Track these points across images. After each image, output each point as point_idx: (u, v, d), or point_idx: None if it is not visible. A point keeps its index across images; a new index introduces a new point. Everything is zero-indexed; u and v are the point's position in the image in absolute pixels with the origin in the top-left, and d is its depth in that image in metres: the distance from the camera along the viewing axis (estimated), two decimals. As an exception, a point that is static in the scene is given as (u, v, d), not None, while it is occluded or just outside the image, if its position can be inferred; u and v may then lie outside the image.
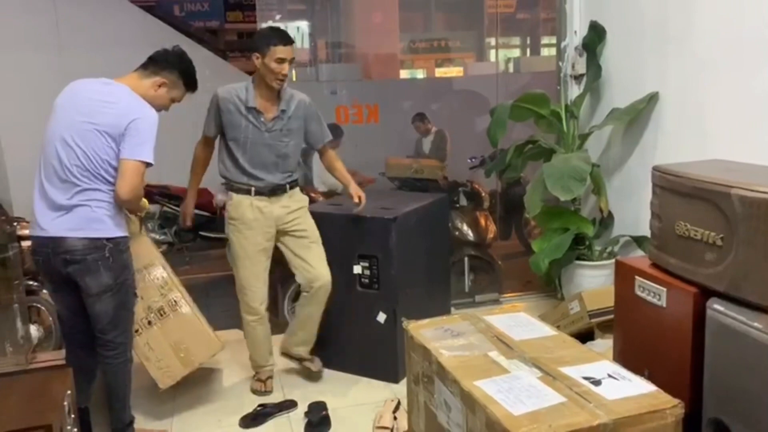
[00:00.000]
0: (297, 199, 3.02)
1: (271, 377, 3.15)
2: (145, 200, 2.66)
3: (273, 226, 2.93)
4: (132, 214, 2.66)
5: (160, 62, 2.49)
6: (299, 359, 3.18)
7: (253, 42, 2.85)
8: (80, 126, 2.30)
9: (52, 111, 2.38)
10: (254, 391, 3.11)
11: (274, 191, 2.93)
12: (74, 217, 2.31)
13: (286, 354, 3.20)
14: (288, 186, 2.97)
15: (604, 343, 2.96)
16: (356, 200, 3.03)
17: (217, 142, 3.03)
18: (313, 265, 2.98)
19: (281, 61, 2.76)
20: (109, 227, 2.36)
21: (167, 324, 2.82)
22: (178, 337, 2.83)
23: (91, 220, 2.32)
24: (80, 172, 2.30)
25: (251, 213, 2.89)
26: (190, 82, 2.56)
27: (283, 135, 2.91)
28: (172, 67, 2.49)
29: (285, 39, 2.77)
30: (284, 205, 2.95)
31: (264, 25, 2.92)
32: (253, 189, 2.90)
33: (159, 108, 2.49)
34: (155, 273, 2.88)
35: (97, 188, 2.33)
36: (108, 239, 2.35)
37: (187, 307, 2.88)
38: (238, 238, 2.92)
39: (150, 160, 2.34)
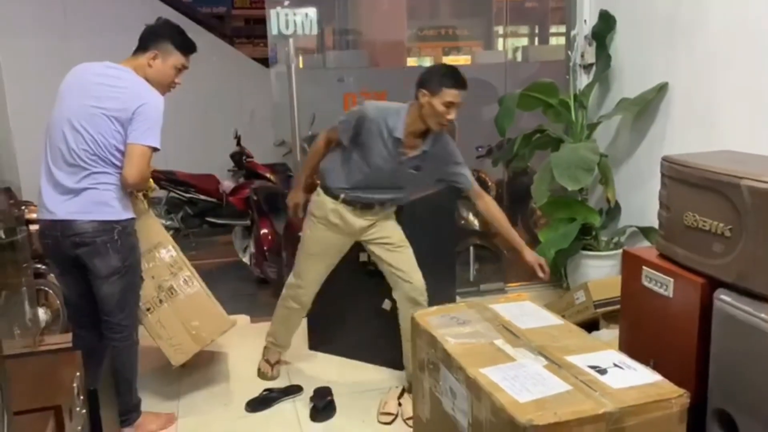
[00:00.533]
0: (385, 210, 2.86)
1: (279, 362, 3.17)
2: (150, 180, 2.67)
3: (353, 234, 2.83)
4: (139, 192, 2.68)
5: (149, 36, 2.46)
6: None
7: (425, 77, 2.57)
8: (87, 110, 2.31)
9: (58, 95, 2.38)
10: (260, 374, 3.13)
11: (369, 207, 2.79)
12: (82, 200, 2.33)
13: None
14: (386, 206, 2.85)
15: (610, 333, 2.97)
16: (540, 273, 2.75)
17: None
18: (402, 269, 2.81)
19: (450, 105, 2.52)
20: (117, 210, 2.37)
21: (178, 302, 2.83)
22: (189, 314, 2.84)
23: (99, 203, 2.34)
24: (88, 156, 2.31)
25: (334, 217, 2.78)
26: (180, 44, 2.48)
27: (414, 169, 2.74)
28: (158, 36, 2.45)
29: (461, 83, 2.53)
30: (369, 218, 2.81)
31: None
32: (341, 197, 2.76)
33: (166, 84, 2.48)
34: (165, 252, 2.88)
35: (104, 171, 2.34)
36: (116, 222, 2.37)
37: (197, 285, 2.89)
38: (313, 234, 2.85)
39: (157, 145, 2.34)
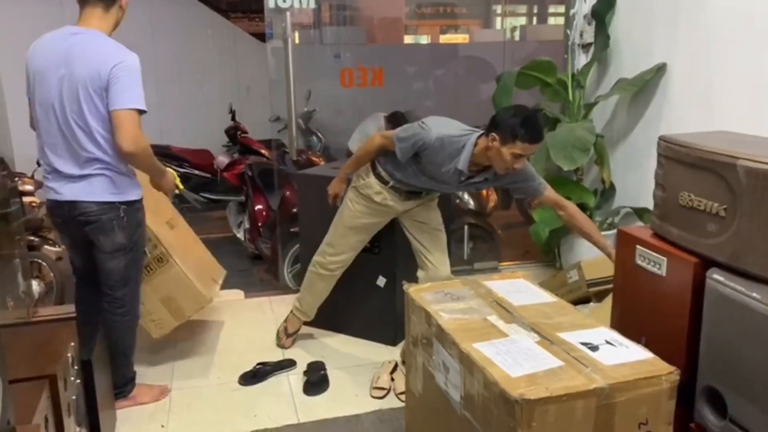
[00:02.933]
0: (430, 195, 2.85)
1: (296, 333, 3.18)
2: (175, 176, 2.62)
3: (393, 215, 2.84)
4: (159, 189, 2.55)
5: None
6: None
7: (500, 119, 2.34)
8: (66, 88, 2.22)
9: (30, 76, 2.29)
10: (277, 339, 3.18)
11: (415, 195, 2.77)
12: (87, 185, 2.32)
13: None
14: (433, 195, 2.85)
15: (593, 305, 2.99)
16: None
17: None
18: (433, 253, 2.81)
19: (519, 157, 2.33)
20: (122, 191, 2.36)
21: (154, 279, 2.82)
22: (167, 292, 2.85)
23: (104, 187, 2.32)
24: (82, 141, 2.27)
25: (378, 198, 2.75)
26: None
27: (475, 189, 2.72)
28: None
29: (537, 138, 2.32)
30: (412, 202, 2.80)
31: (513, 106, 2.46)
32: (390, 183, 2.72)
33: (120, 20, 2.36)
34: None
35: (101, 154, 2.29)
36: (122, 202, 2.36)
37: (173, 262, 2.87)
38: (354, 210, 2.82)
39: (142, 106, 2.23)
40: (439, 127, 2.48)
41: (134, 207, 2.41)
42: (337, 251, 2.93)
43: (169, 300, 2.86)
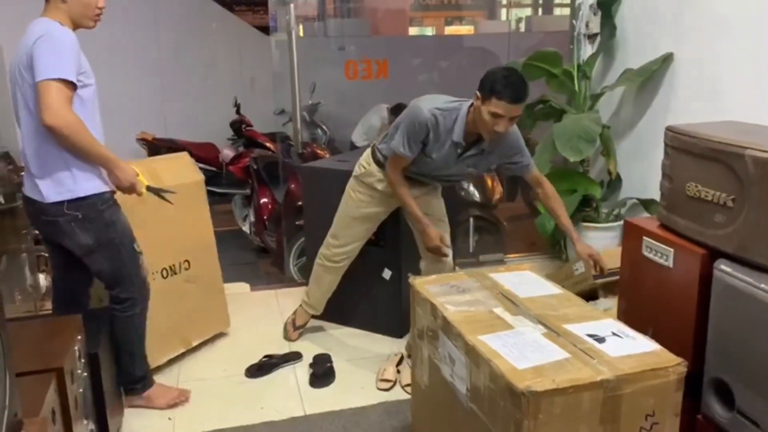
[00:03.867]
0: (431, 187, 2.82)
1: (303, 326, 3.18)
2: (137, 172, 2.28)
3: (395, 204, 2.80)
4: (117, 185, 2.29)
5: None
6: None
7: (484, 77, 2.31)
8: (16, 75, 2.14)
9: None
10: (284, 331, 3.18)
11: (418, 184, 2.72)
12: (38, 181, 2.18)
13: None
14: (436, 185, 2.80)
15: (608, 302, 2.98)
16: (592, 270, 2.55)
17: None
18: None
19: (497, 116, 2.26)
20: (70, 186, 2.17)
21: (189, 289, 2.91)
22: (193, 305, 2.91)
23: (51, 183, 2.17)
24: (28, 133, 2.16)
25: (379, 185, 2.73)
26: None
27: (473, 166, 2.62)
28: None
29: (515, 96, 2.24)
30: (415, 192, 2.71)
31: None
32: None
33: (91, 15, 2.19)
34: None
35: (46, 144, 2.14)
36: (72, 200, 2.18)
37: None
38: (356, 199, 2.81)
39: (63, 75, 2.01)
40: (427, 103, 2.46)
41: (97, 206, 2.22)
42: (341, 242, 2.92)
43: (186, 319, 2.89)
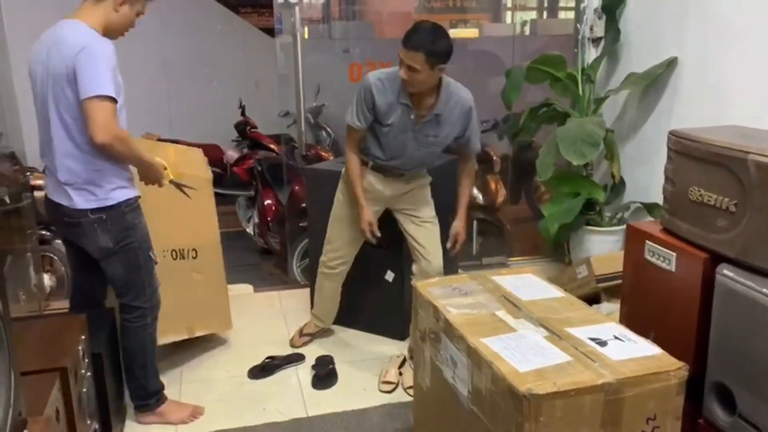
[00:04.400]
0: (416, 181, 2.83)
1: (311, 336, 3.16)
2: (164, 165, 2.42)
3: (382, 202, 2.81)
4: (146, 181, 2.39)
5: None
6: None
7: None
8: (47, 84, 2.14)
9: (29, 74, 2.23)
10: (292, 337, 3.18)
11: (396, 175, 2.75)
12: (69, 190, 2.19)
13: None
14: (413, 175, 2.81)
15: (610, 307, 2.98)
16: (449, 243, 2.81)
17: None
18: (424, 246, 2.79)
19: (401, 63, 2.43)
20: (102, 195, 2.20)
21: (192, 279, 2.89)
22: (195, 298, 2.89)
23: (81, 191, 2.19)
24: (61, 144, 2.17)
25: (364, 184, 2.73)
26: None
27: (433, 136, 2.64)
28: None
29: (406, 41, 2.41)
30: (398, 186, 2.78)
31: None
32: (369, 164, 2.73)
33: (124, 30, 2.26)
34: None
35: (81, 148, 2.16)
36: (103, 208, 2.21)
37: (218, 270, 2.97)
38: (343, 200, 2.83)
39: (108, 92, 2.05)
40: (375, 72, 2.59)
41: (121, 208, 2.24)
42: (334, 247, 2.93)
43: (191, 307, 2.88)
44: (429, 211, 2.86)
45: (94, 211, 2.21)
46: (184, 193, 2.59)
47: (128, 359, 2.44)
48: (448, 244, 2.82)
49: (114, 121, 2.09)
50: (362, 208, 2.72)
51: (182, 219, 2.86)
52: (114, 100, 2.08)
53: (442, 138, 2.66)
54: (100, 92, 2.04)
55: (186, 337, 2.95)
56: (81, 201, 2.20)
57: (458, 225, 2.82)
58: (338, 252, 2.93)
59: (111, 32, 2.22)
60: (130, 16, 2.25)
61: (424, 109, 2.57)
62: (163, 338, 2.79)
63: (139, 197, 2.34)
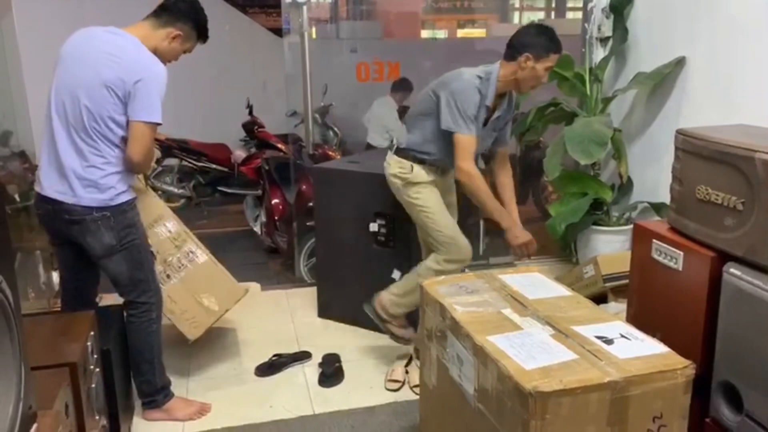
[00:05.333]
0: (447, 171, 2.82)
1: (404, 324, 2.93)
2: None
3: (444, 193, 2.80)
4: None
5: (174, 12, 2.33)
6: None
7: (528, 40, 2.51)
8: (87, 80, 2.18)
9: (59, 61, 2.25)
10: (395, 337, 2.90)
11: (445, 171, 2.76)
12: (74, 184, 2.21)
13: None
14: None
15: (617, 306, 2.98)
16: (515, 252, 2.71)
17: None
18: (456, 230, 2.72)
19: (549, 70, 2.56)
20: (110, 195, 2.25)
21: (186, 275, 2.82)
22: (200, 286, 2.84)
23: (91, 188, 2.23)
24: (85, 132, 2.20)
25: (431, 176, 2.70)
26: (203, 33, 2.43)
27: (493, 130, 2.70)
28: (186, 18, 2.34)
29: (561, 47, 2.55)
30: (449, 177, 2.80)
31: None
32: (427, 161, 2.67)
33: (169, 60, 2.38)
34: (166, 226, 2.84)
35: (101, 151, 2.22)
36: (108, 207, 2.26)
37: (204, 256, 2.89)
38: (429, 196, 2.69)
39: (159, 120, 2.23)
40: (465, 73, 2.59)
41: (123, 207, 2.29)
42: (459, 239, 2.70)
43: (202, 295, 2.83)
44: (455, 197, 2.93)
45: (99, 209, 2.24)
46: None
47: (135, 355, 2.45)
48: (515, 253, 2.72)
49: (152, 143, 2.29)
50: (515, 226, 2.67)
51: None
52: (159, 125, 2.25)
53: (497, 131, 2.76)
54: (152, 119, 2.21)
55: (216, 319, 2.90)
56: (87, 199, 2.22)
57: (522, 231, 2.68)
58: (466, 242, 2.70)
59: (166, 56, 2.36)
60: (178, 51, 2.39)
61: (497, 109, 2.67)
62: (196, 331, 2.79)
63: (135, 198, 2.40)
